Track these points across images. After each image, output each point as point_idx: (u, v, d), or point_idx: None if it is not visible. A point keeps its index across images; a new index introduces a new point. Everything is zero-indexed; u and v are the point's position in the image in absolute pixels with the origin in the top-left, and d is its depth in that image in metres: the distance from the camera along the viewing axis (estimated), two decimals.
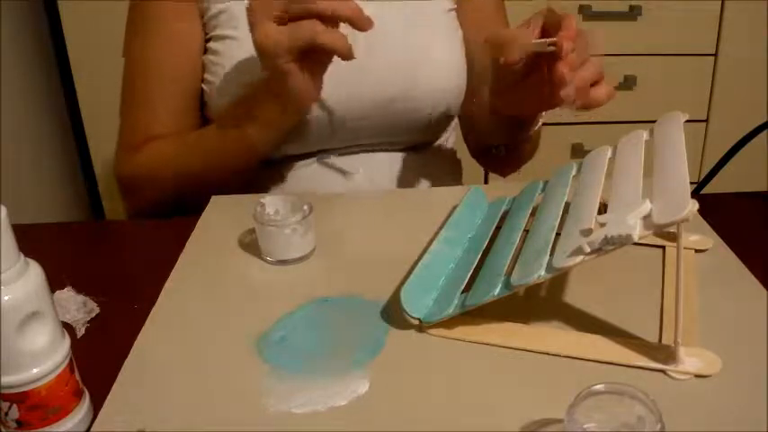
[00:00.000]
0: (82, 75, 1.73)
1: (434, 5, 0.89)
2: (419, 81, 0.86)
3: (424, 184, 0.93)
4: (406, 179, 0.91)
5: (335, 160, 0.89)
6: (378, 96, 0.85)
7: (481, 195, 0.78)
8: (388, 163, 0.91)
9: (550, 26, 0.69)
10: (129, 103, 0.88)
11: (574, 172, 0.69)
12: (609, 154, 0.67)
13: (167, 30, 0.84)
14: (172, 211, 0.85)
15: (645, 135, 0.66)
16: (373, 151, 0.90)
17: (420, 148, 0.93)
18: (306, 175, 0.88)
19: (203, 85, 0.87)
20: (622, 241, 0.50)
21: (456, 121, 0.99)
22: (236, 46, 0.82)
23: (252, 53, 0.78)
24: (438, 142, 0.96)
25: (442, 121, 0.91)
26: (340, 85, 0.82)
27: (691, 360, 0.53)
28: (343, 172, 0.89)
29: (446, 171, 0.98)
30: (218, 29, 0.83)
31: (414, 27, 0.87)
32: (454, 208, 0.74)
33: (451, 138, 1.00)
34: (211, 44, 0.85)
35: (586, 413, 0.42)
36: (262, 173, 0.88)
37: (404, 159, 0.91)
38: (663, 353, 0.54)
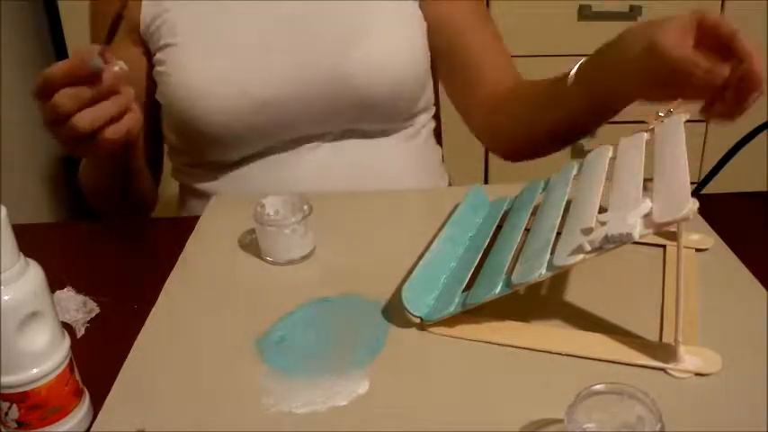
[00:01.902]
0: None
1: None
2: (359, 58, 0.85)
3: (395, 173, 0.92)
4: (373, 169, 0.91)
5: (294, 153, 0.89)
6: (318, 77, 0.85)
7: (482, 195, 0.78)
8: (355, 153, 0.90)
9: (709, 28, 0.64)
10: None
11: (575, 171, 0.69)
12: (610, 153, 0.67)
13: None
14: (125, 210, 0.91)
15: (646, 135, 0.66)
16: (337, 140, 0.90)
17: (388, 135, 0.92)
18: (255, 173, 0.89)
19: (157, 98, 0.89)
20: (623, 240, 0.50)
21: (432, 110, 0.98)
22: (178, 51, 0.84)
23: (194, 56, 0.83)
24: (410, 129, 0.94)
25: (398, 103, 0.89)
26: (280, 70, 0.84)
27: (691, 359, 0.53)
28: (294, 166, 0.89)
29: (420, 161, 0.96)
30: (161, 40, 0.85)
31: (353, 7, 0.87)
32: (455, 207, 0.74)
33: (428, 126, 0.97)
34: (157, 56, 0.87)
35: (586, 413, 0.42)
36: (235, 172, 0.89)
37: (371, 148, 0.91)
38: (663, 351, 0.54)
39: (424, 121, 0.97)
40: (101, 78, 0.62)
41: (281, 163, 0.89)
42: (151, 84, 0.89)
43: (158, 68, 0.87)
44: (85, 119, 0.62)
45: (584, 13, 1.65)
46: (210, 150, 0.88)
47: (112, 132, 0.65)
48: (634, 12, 1.65)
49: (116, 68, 0.62)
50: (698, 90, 0.64)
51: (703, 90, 0.64)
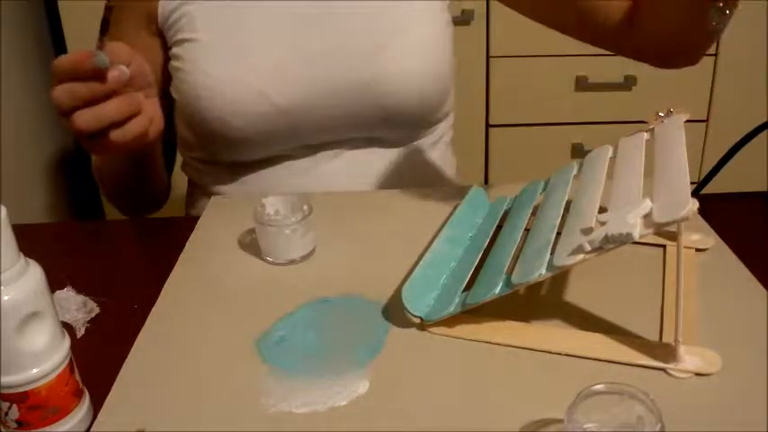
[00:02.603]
0: None
1: None
2: (386, 65, 0.83)
3: (412, 182, 0.90)
4: (391, 178, 0.90)
5: (311, 160, 0.88)
6: (343, 84, 0.83)
7: (482, 195, 0.78)
8: (371, 162, 0.89)
9: None
10: None
11: (575, 171, 0.69)
12: (610, 153, 0.67)
13: None
14: (140, 204, 0.91)
15: (646, 135, 0.66)
16: (355, 148, 0.89)
17: (406, 144, 0.91)
18: (269, 177, 0.88)
19: (171, 92, 0.87)
20: (623, 240, 0.50)
21: (451, 119, 0.96)
22: (198, 48, 0.83)
23: (215, 56, 0.81)
24: (428, 139, 0.93)
25: (422, 112, 0.88)
26: (303, 76, 0.82)
27: (691, 358, 0.53)
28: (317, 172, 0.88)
29: (436, 171, 0.95)
30: (178, 33, 0.84)
31: (381, 12, 0.85)
32: (455, 207, 0.74)
33: (445, 137, 0.96)
34: (174, 50, 0.85)
35: (586, 413, 0.42)
36: (248, 175, 0.89)
37: (389, 157, 0.90)
38: (663, 351, 0.54)
39: (443, 131, 0.95)
40: (105, 77, 0.60)
41: (297, 169, 0.88)
42: (168, 76, 0.88)
43: (174, 63, 0.85)
44: (84, 118, 0.61)
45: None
46: (224, 150, 0.87)
47: (118, 136, 0.63)
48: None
49: (116, 72, 0.61)
50: None
51: None
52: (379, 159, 0.90)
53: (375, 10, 0.85)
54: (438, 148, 0.95)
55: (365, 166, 0.89)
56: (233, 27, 0.83)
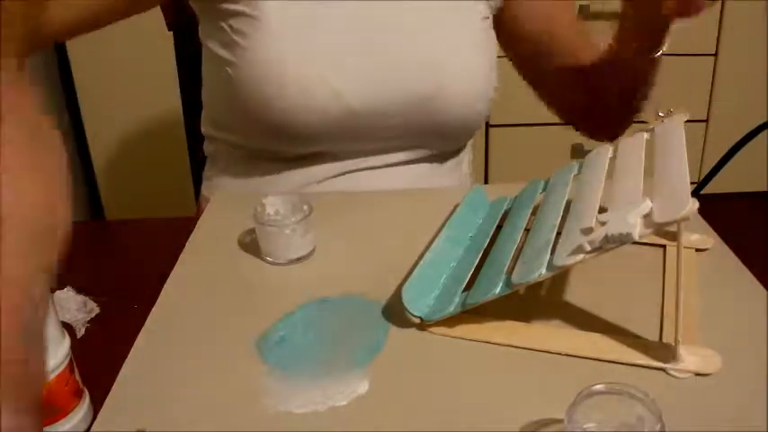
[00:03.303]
0: (82, 75, 1.73)
1: (466, 10, 0.88)
2: (447, 81, 0.84)
3: None
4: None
5: (349, 163, 0.87)
6: (406, 95, 0.83)
7: (482, 195, 0.78)
8: (407, 176, 0.89)
9: None
10: None
11: (575, 171, 0.69)
12: (610, 153, 0.67)
13: None
14: None
15: (646, 135, 0.66)
16: (396, 161, 0.89)
17: (441, 160, 0.92)
18: (295, 176, 0.87)
19: (227, 69, 0.81)
20: (622, 240, 0.51)
21: (473, 140, 0.97)
22: (267, 31, 0.78)
23: (287, 41, 0.78)
24: (459, 156, 0.95)
25: (467, 128, 0.90)
26: (367, 84, 0.81)
27: (691, 358, 0.53)
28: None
29: (462, 186, 0.96)
30: (240, 4, 0.79)
31: (441, 28, 0.85)
32: (455, 207, 0.74)
33: (469, 153, 0.98)
34: (232, 22, 0.80)
35: (586, 413, 0.42)
36: (283, 171, 0.87)
37: (422, 173, 0.90)
38: (663, 351, 0.54)
39: (469, 148, 0.97)
40: None
41: (331, 170, 0.87)
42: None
43: (234, 37, 0.80)
44: None
45: (584, 13, 1.65)
46: (274, 140, 0.84)
47: None
48: None
49: None
50: None
51: None
52: (408, 176, 0.90)
53: (436, 30, 0.85)
54: (464, 164, 0.96)
55: (397, 179, 0.89)
56: (302, 14, 0.80)
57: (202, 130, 0.94)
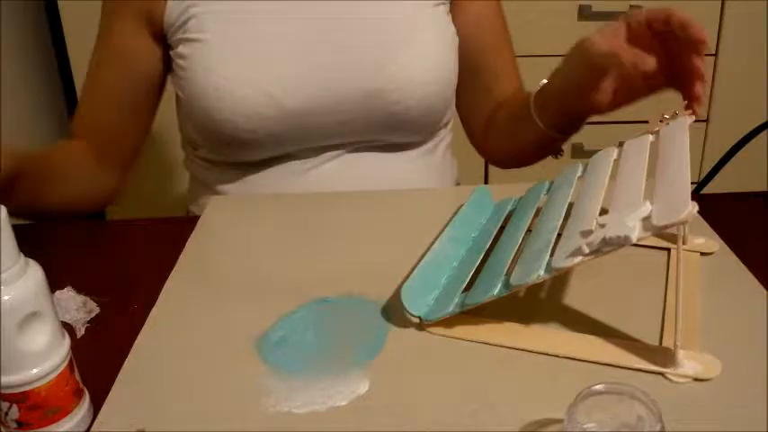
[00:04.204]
0: (82, 75, 1.73)
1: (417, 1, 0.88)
2: (395, 75, 0.84)
3: (413, 185, 0.91)
4: (392, 181, 0.90)
5: (314, 161, 0.88)
6: (352, 92, 0.84)
7: (487, 195, 0.77)
8: (372, 164, 0.90)
9: (637, 25, 0.68)
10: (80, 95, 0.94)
11: (579, 173, 0.69)
12: (614, 155, 0.67)
13: (113, 44, 0.87)
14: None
15: (651, 137, 0.66)
16: (358, 151, 0.89)
17: (409, 148, 0.92)
18: (271, 177, 0.89)
19: (177, 91, 0.88)
20: (621, 242, 0.50)
21: (451, 123, 0.98)
22: (206, 49, 0.83)
23: (224, 57, 0.82)
24: (430, 143, 0.94)
25: (427, 119, 0.89)
26: (314, 82, 0.83)
27: (690, 363, 0.53)
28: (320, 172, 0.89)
29: (437, 174, 0.96)
30: (185, 33, 0.84)
31: (390, 21, 0.86)
32: (459, 207, 0.74)
33: (446, 139, 0.98)
34: (179, 50, 0.85)
35: (586, 413, 0.42)
36: (252, 174, 0.89)
37: (391, 160, 0.91)
38: (662, 355, 0.54)
39: (443, 134, 0.97)
40: None
41: (299, 169, 0.88)
42: (163, 73, 0.89)
43: (180, 62, 0.85)
44: None
45: (584, 13, 1.65)
46: (231, 150, 0.87)
47: None
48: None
49: None
50: (632, 80, 0.70)
51: (636, 78, 0.69)
52: (381, 162, 0.90)
53: (384, 22, 0.86)
54: (438, 151, 0.95)
55: (367, 167, 0.90)
56: (243, 31, 0.83)
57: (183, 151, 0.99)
